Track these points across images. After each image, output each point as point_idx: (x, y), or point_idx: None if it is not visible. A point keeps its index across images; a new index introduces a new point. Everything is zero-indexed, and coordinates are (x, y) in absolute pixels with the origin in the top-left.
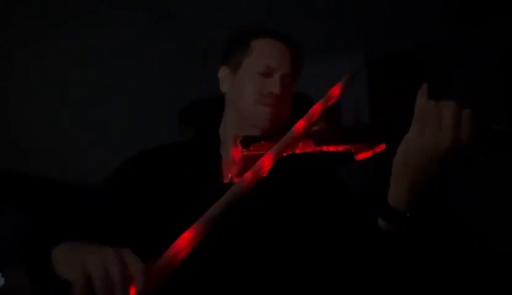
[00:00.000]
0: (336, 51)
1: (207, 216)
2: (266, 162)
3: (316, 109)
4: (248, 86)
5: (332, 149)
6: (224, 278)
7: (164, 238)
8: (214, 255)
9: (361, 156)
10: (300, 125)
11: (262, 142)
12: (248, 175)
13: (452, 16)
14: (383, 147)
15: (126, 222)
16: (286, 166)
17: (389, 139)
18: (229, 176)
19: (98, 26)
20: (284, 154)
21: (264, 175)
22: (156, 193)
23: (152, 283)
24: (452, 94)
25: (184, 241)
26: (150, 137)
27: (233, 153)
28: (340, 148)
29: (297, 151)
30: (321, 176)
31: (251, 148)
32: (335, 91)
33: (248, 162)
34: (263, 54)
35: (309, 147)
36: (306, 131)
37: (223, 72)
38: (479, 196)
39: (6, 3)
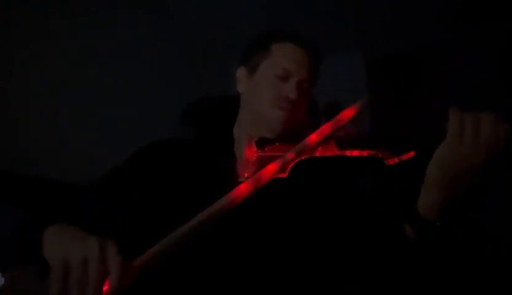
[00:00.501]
0: (336, 51)
1: (190, 225)
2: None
3: (343, 116)
4: (264, 88)
5: (355, 153)
6: (237, 282)
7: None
8: (226, 259)
9: (390, 162)
10: (322, 131)
11: (276, 144)
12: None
13: (452, 16)
14: (411, 154)
15: (133, 217)
16: (305, 168)
17: (415, 148)
18: (246, 175)
19: (98, 26)
20: (303, 157)
21: (284, 175)
22: (167, 188)
23: (126, 281)
24: (451, 95)
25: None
26: (150, 138)
27: (247, 153)
28: (364, 153)
29: (317, 154)
30: (340, 182)
31: (266, 149)
32: (348, 112)
33: (263, 163)
34: (282, 57)
35: (332, 151)
36: (331, 135)
37: (240, 73)
38: (497, 206)
39: (6, 3)
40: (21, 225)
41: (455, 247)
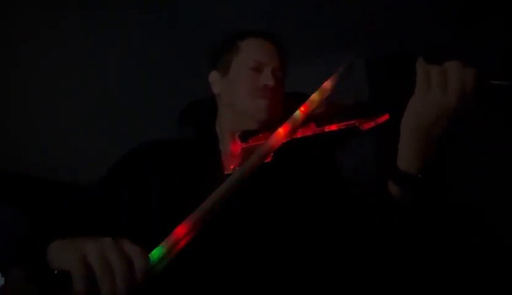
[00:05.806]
0: (336, 52)
1: (203, 208)
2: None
3: (312, 100)
4: (242, 82)
5: (333, 127)
6: (225, 272)
7: (166, 233)
8: (215, 248)
9: (366, 126)
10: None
11: (260, 134)
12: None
13: (452, 16)
14: (386, 117)
15: (126, 215)
16: (287, 152)
17: (390, 111)
18: (231, 167)
19: (99, 26)
20: (285, 139)
21: (269, 159)
22: (157, 188)
23: (149, 270)
24: None
25: (182, 231)
26: (150, 138)
27: (232, 148)
28: (342, 126)
29: (298, 135)
30: (321, 162)
31: (249, 141)
32: (328, 84)
33: (248, 154)
34: (252, 51)
35: (311, 130)
36: (304, 119)
37: (213, 77)
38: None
39: (6, 2)
40: (22, 225)
41: (440, 207)
